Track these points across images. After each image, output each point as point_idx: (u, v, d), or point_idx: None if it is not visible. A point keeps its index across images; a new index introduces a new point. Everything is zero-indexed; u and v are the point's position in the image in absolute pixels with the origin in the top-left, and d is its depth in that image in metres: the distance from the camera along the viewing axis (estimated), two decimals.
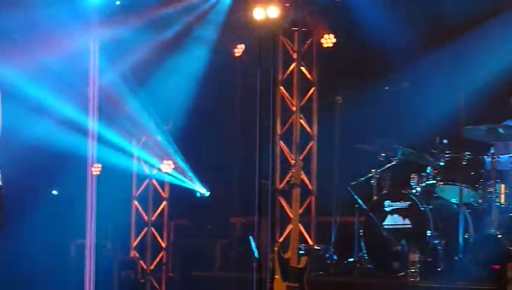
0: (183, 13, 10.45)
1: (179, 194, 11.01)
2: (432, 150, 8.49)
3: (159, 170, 11.01)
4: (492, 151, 8.20)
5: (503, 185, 8.14)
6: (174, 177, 10.96)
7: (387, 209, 8.45)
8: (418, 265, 7.83)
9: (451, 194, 8.32)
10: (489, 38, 9.09)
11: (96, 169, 10.11)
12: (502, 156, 8.38)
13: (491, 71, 8.69)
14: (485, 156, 8.35)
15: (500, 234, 7.84)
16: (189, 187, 10.91)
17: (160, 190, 11.26)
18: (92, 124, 10.08)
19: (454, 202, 8.31)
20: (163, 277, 10.93)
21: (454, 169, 8.24)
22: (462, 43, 9.15)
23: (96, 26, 10.00)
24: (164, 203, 11.24)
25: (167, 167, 10.92)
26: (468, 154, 8.32)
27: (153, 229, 11.14)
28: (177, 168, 10.92)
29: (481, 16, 9.09)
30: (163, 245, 11.13)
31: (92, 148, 10.13)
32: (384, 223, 8.43)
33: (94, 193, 9.96)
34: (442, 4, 9.29)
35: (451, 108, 8.18)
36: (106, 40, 10.03)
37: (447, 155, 8.42)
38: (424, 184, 8.49)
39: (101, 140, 10.16)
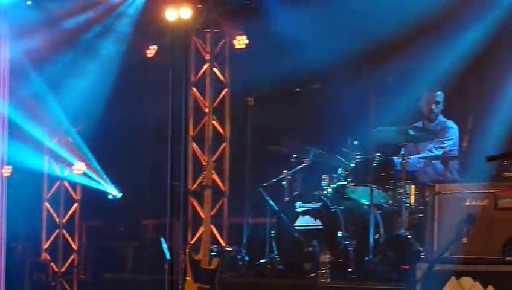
0: (95, 16, 10.28)
1: (91, 196, 10.87)
2: (344, 151, 8.43)
3: (71, 171, 10.81)
4: (402, 153, 8.15)
5: (413, 186, 8.11)
6: (86, 178, 10.77)
7: (298, 210, 8.35)
8: (329, 266, 7.73)
9: (362, 195, 8.26)
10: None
11: (6, 171, 9.86)
12: (411, 157, 8.38)
13: (400, 73, 8.64)
14: (395, 157, 8.32)
15: (409, 235, 7.79)
16: (101, 189, 10.70)
17: (72, 192, 11.11)
18: (1, 125, 9.78)
19: (365, 203, 8.26)
20: (75, 280, 10.77)
21: (364, 170, 8.14)
22: (372, 44, 9.13)
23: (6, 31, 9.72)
24: (76, 205, 11.12)
25: (79, 168, 10.75)
26: (379, 156, 8.24)
27: (65, 232, 11.00)
28: (89, 170, 10.73)
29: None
30: (75, 247, 11.00)
31: (1, 150, 9.83)
32: (295, 224, 8.33)
33: (4, 195, 9.72)
34: (354, 6, 9.21)
35: (362, 109, 8.10)
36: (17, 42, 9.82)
37: (357, 156, 8.33)
38: (335, 185, 8.42)
39: (11, 142, 9.91)
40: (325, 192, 8.37)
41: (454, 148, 8.54)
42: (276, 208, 8.55)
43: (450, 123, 8.66)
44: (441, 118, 8.73)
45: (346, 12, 9.17)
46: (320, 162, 8.73)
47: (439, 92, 8.65)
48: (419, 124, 8.76)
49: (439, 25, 8.85)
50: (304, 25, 9.33)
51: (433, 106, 8.65)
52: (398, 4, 8.76)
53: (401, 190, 8.00)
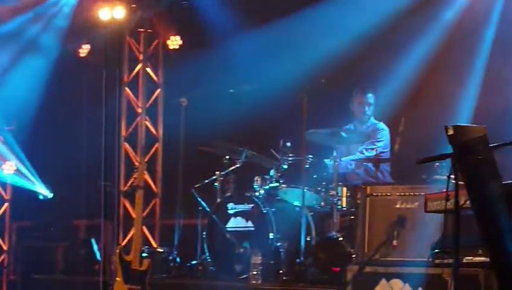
0: (29, 12, 10.03)
1: (22, 196, 10.49)
2: (276, 153, 8.30)
3: (1, 171, 10.47)
4: (334, 155, 8.05)
5: (344, 189, 7.99)
6: (17, 178, 10.43)
7: (230, 211, 8.22)
8: (260, 267, 7.63)
9: (294, 197, 8.13)
10: (327, 37, 9.00)
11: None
12: (343, 159, 8.31)
13: (333, 73, 8.59)
14: (327, 160, 8.23)
15: (341, 237, 7.66)
16: (32, 189, 10.38)
17: (2, 192, 10.83)
18: None
19: (297, 204, 8.12)
20: (4, 280, 10.36)
21: (297, 172, 8.03)
22: (303, 44, 9.07)
23: None
24: (6, 205, 10.79)
25: (9, 168, 10.40)
26: (311, 158, 8.11)
27: None
28: (19, 170, 10.39)
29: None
30: (5, 248, 10.64)
31: None
32: (227, 226, 8.20)
33: None
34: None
35: (295, 111, 8.03)
36: None
37: (290, 158, 8.19)
38: (267, 187, 8.26)
39: None
40: (257, 193, 8.23)
41: (385, 150, 8.46)
42: (208, 210, 8.41)
43: (381, 125, 8.59)
44: (372, 119, 8.65)
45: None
46: (253, 164, 8.62)
47: (370, 94, 8.57)
48: (351, 126, 8.69)
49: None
50: (239, 26, 9.23)
51: (366, 108, 8.57)
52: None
53: (333, 192, 7.89)
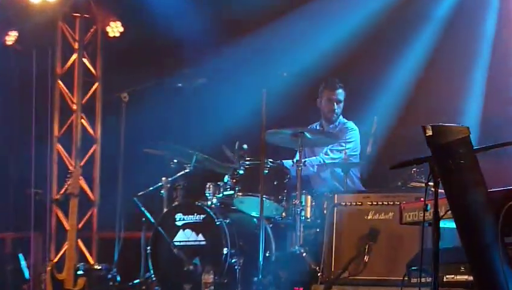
0: None
1: None
2: (231, 156, 8.29)
3: None
4: (297, 158, 8.08)
5: (309, 197, 8.03)
6: None
7: (178, 223, 8.19)
8: (212, 287, 7.66)
9: (252, 206, 8.10)
10: (293, 33, 9.21)
11: None
12: (306, 160, 8.38)
13: (295, 70, 8.64)
14: (288, 161, 8.27)
15: (304, 252, 7.67)
16: None
17: None
18: None
19: (255, 215, 8.14)
20: None
21: (255, 178, 7.96)
22: (264, 37, 9.19)
23: None
24: None
25: None
26: (271, 162, 8.12)
27: None
28: None
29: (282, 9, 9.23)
30: None
31: None
32: (175, 240, 8.17)
33: None
34: None
35: (253, 109, 8.03)
36: None
37: (247, 162, 8.18)
38: (221, 195, 8.27)
39: None
40: (209, 203, 8.23)
41: (355, 152, 8.53)
42: (153, 221, 8.36)
43: (351, 124, 8.66)
44: (341, 118, 8.72)
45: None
46: (205, 169, 8.66)
47: (340, 90, 8.63)
48: (317, 125, 8.73)
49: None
50: (189, 12, 9.31)
51: (335, 105, 8.63)
52: None
53: (296, 201, 7.89)
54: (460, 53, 8.73)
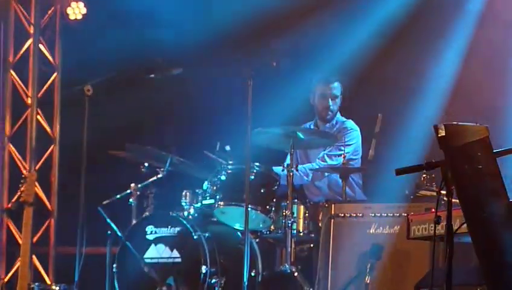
0: None
1: None
2: (212, 159, 8.34)
3: None
4: (288, 162, 8.06)
5: (302, 207, 8.02)
6: None
7: (150, 237, 8.23)
8: None
9: (235, 218, 8.13)
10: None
11: None
12: (299, 167, 8.36)
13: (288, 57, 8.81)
14: (280, 169, 8.26)
15: (296, 272, 7.69)
16: None
17: None
18: None
19: (239, 228, 8.18)
20: None
21: (238, 185, 7.96)
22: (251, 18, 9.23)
23: None
24: None
25: None
26: (258, 166, 8.14)
27: None
28: None
29: None
30: None
31: None
32: (145, 256, 8.20)
33: None
34: None
35: (237, 104, 8.10)
36: None
37: (229, 166, 8.20)
38: (199, 204, 8.31)
39: None
40: (185, 213, 8.27)
41: (355, 156, 8.58)
42: (120, 234, 8.36)
43: (350, 123, 8.70)
44: (339, 117, 8.75)
45: None
46: (181, 174, 8.68)
47: (336, 83, 8.67)
48: (311, 124, 8.78)
49: None
50: None
51: (330, 102, 8.66)
52: None
53: (287, 212, 7.87)
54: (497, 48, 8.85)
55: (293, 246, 7.84)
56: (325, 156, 8.55)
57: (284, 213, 7.91)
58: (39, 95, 10.14)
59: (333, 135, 8.50)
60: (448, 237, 4.50)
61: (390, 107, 8.66)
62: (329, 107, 8.65)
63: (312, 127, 8.75)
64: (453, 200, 4.50)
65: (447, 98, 8.76)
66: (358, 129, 8.66)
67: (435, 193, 6.93)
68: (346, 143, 8.46)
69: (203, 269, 7.91)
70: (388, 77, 9.22)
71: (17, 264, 9.08)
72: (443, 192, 4.53)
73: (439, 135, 4.44)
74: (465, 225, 4.46)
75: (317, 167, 8.48)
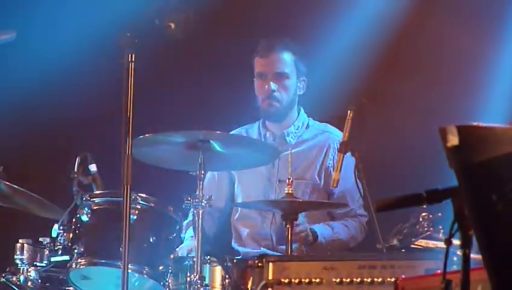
0: None
1: None
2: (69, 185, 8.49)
3: None
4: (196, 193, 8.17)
5: (218, 268, 8.19)
6: None
7: None
8: None
9: (106, 285, 8.34)
10: None
11: None
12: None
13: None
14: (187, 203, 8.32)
15: None
16: None
17: None
18: None
19: None
20: None
21: (111, 230, 8.07)
22: None
23: None
24: None
25: None
26: (144, 199, 8.31)
27: None
28: None
29: None
30: None
31: None
32: None
33: None
34: None
35: (111, 94, 8.27)
36: None
37: (97, 198, 8.34)
38: (44, 263, 8.42)
39: None
40: (21, 278, 8.37)
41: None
42: None
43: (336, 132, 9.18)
44: (304, 117, 9.26)
45: None
46: (16, 211, 8.80)
47: (285, 54, 9.24)
48: (253, 128, 9.44)
49: None
50: None
51: (271, 85, 9.08)
52: None
53: (194, 275, 7.94)
54: None
55: None
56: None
57: (189, 278, 7.97)
58: None
59: (275, 146, 8.88)
60: None
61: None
62: (272, 94, 8.98)
63: (259, 132, 9.36)
64: (473, 255, 4.49)
65: None
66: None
67: (441, 243, 6.94)
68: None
69: None
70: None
71: None
72: (455, 241, 4.51)
73: (448, 145, 4.33)
74: None
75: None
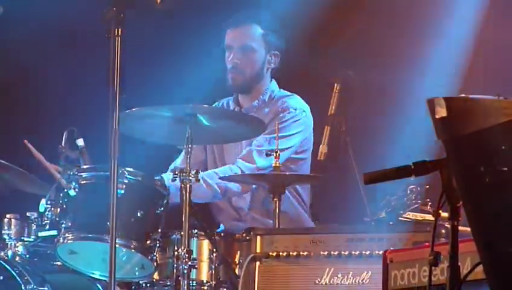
0: None
1: None
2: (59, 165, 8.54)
3: None
4: (182, 166, 8.25)
5: (206, 242, 8.22)
6: None
7: None
8: None
9: (93, 260, 8.27)
10: None
11: None
12: (205, 174, 8.73)
13: None
14: (168, 174, 8.47)
15: None
16: None
17: None
18: None
19: (98, 277, 8.30)
20: None
21: (98, 205, 7.98)
22: None
23: None
24: None
25: None
26: (131, 173, 8.29)
27: None
28: None
29: None
30: None
31: None
32: None
33: None
34: None
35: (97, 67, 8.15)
36: None
37: (84, 173, 8.32)
38: (32, 238, 8.47)
39: None
40: (9, 253, 8.42)
41: (302, 155, 8.97)
42: None
43: (295, 101, 9.14)
44: (275, 89, 9.20)
45: None
46: (3, 186, 8.78)
47: (254, 26, 9.31)
48: (229, 101, 9.26)
49: None
50: None
51: (235, 56, 9.12)
52: None
53: (181, 250, 7.92)
54: None
55: None
56: (254, 153, 8.93)
57: (176, 252, 7.97)
58: None
59: (260, 119, 8.63)
60: (453, 286, 4.52)
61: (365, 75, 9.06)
62: (235, 67, 9.05)
63: (231, 105, 9.21)
64: (461, 228, 4.54)
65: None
66: (307, 109, 8.95)
67: (429, 216, 6.92)
68: (285, 133, 8.78)
69: None
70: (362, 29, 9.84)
71: None
72: (443, 214, 4.56)
73: (437, 116, 4.35)
74: (480, 268, 4.45)
75: (235, 172, 8.67)
